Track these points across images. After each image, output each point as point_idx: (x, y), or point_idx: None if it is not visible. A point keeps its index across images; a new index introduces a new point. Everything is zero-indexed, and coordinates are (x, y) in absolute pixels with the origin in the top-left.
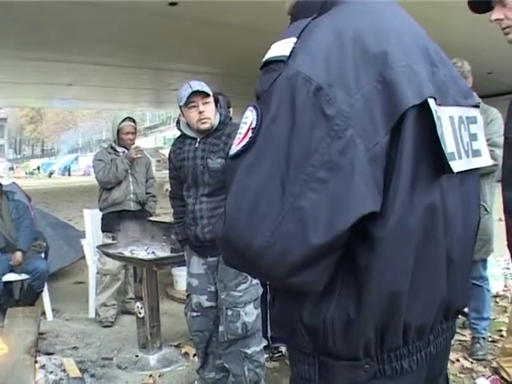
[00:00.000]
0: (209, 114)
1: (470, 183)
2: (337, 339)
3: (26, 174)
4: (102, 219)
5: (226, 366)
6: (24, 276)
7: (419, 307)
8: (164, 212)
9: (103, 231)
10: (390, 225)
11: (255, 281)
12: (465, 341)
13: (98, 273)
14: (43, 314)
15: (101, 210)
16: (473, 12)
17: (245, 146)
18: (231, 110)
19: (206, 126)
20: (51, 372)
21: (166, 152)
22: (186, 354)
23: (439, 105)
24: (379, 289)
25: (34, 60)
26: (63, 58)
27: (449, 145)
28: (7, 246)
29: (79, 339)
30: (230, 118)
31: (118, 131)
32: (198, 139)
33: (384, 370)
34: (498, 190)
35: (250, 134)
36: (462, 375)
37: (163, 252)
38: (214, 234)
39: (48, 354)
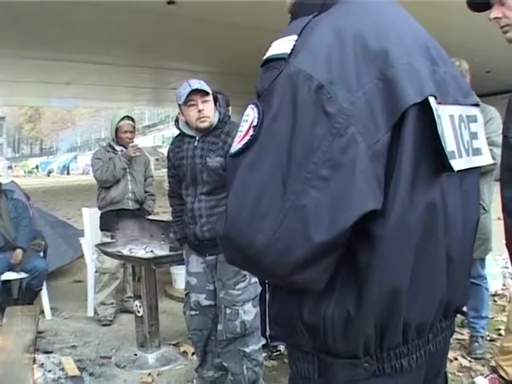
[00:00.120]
0: (208, 112)
1: (470, 182)
2: (337, 337)
3: (25, 172)
4: (101, 218)
5: (225, 364)
6: (23, 275)
7: (419, 305)
8: (163, 211)
9: (102, 230)
10: (390, 223)
11: (254, 279)
12: (463, 339)
13: (96, 271)
14: (42, 312)
15: (99, 208)
16: (471, 11)
17: (246, 143)
18: (230, 108)
19: (205, 124)
20: (50, 371)
21: (164, 151)
22: (185, 352)
23: (439, 103)
24: (379, 287)
25: (32, 59)
26: (62, 56)
27: (449, 143)
28: (6, 245)
29: (78, 338)
30: (229, 117)
31: (117, 130)
32: (197, 138)
33: (383, 368)
34: (496, 188)
35: (251, 132)
36: (461, 374)
37: (162, 251)
38: (213, 233)
39: (47, 352)
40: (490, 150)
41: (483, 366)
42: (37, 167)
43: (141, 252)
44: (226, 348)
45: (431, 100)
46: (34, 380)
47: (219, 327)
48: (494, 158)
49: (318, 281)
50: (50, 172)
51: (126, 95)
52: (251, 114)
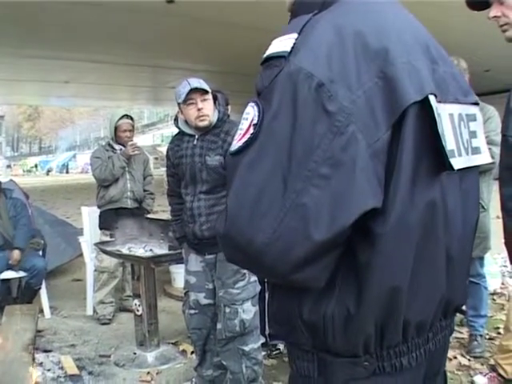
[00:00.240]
0: (207, 111)
1: (469, 181)
2: (336, 335)
3: (24, 171)
4: (100, 217)
5: (224, 363)
6: (22, 273)
7: (419, 304)
8: (162, 209)
9: (101, 228)
10: (390, 221)
11: (253, 278)
12: (462, 338)
13: (95, 270)
14: (41, 311)
15: (98, 207)
16: (471, 10)
17: (246, 142)
18: (229, 107)
19: (205, 123)
20: (49, 369)
21: (163, 149)
22: (184, 351)
23: (439, 102)
24: (379, 285)
25: (31, 57)
26: (61, 55)
27: (449, 142)
28: (5, 244)
29: (77, 336)
30: (228, 116)
31: (116, 129)
32: (196, 136)
33: (383, 366)
34: (495, 187)
35: (251, 130)
36: (460, 372)
37: (161, 249)
38: (212, 232)
39: (46, 351)
40: (489, 148)
41: (482, 364)
42: (36, 166)
43: (140, 251)
44: (226, 347)
45: (431, 98)
46: (34, 379)
47: (218, 326)
48: (492, 157)
49: (318, 279)
50: (49, 171)
51: (125, 94)
52: (251, 112)
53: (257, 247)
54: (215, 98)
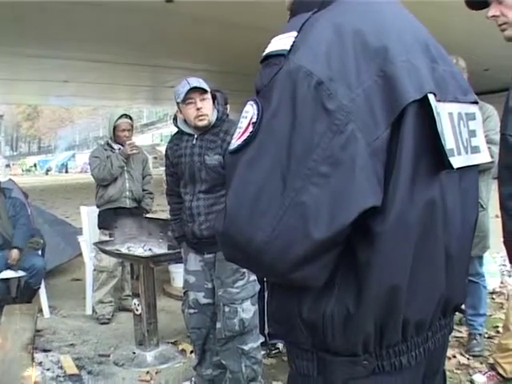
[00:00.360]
0: (206, 110)
1: (468, 180)
2: (336, 334)
3: (23, 171)
4: (99, 216)
5: (223, 362)
6: (21, 273)
7: (418, 303)
8: (161, 209)
9: (100, 228)
10: (389, 220)
11: (252, 277)
12: (461, 337)
13: (94, 270)
14: (40, 311)
15: (97, 206)
16: (470, 9)
17: (245, 140)
18: (228, 106)
19: (204, 122)
20: (48, 369)
21: (162, 149)
22: (183, 350)
23: (438, 101)
24: (379, 284)
25: (30, 57)
26: (60, 54)
27: (448, 141)
28: (4, 244)
29: (76, 336)
30: (227, 115)
31: (114, 128)
32: (196, 136)
33: (383, 365)
34: (494, 186)
35: (250, 129)
36: (459, 371)
37: (160, 249)
38: (212, 231)
39: (45, 350)
40: (488, 148)
41: (481, 363)
42: (35, 165)
43: (139, 250)
44: (225, 346)
45: (431, 97)
46: (33, 378)
47: (218, 325)
48: (492, 156)
49: (318, 278)
50: (48, 170)
51: (124, 93)
52: (250, 111)
53: (256, 246)
54: (214, 98)
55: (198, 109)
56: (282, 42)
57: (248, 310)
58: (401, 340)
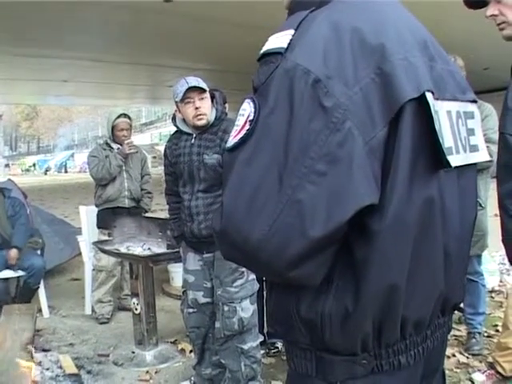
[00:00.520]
0: (205, 109)
1: (467, 178)
2: (334, 333)
3: (22, 171)
4: (97, 216)
5: (223, 361)
6: (20, 273)
7: (417, 301)
8: (160, 208)
9: (98, 228)
10: (387, 218)
11: (251, 276)
12: (460, 336)
13: (93, 269)
14: (39, 310)
15: (96, 206)
16: (468, 8)
17: (242, 138)
18: (227, 105)
19: (203, 122)
20: (48, 369)
21: (161, 148)
22: (183, 350)
23: (437, 99)
24: (377, 283)
25: (29, 56)
26: (59, 54)
27: (447, 139)
28: (3, 243)
29: (75, 336)
30: (226, 114)
31: (113, 128)
32: (194, 135)
33: (381, 365)
34: (492, 185)
35: (247, 127)
36: (458, 370)
37: (159, 248)
38: (210, 230)
39: (44, 350)
40: (487, 146)
41: (480, 362)
42: (34, 165)
43: (138, 250)
44: (224, 345)
45: (428, 96)
46: (32, 378)
47: (217, 325)
48: (490, 156)
49: (315, 276)
50: (47, 170)
51: (123, 93)
52: (247, 109)
53: (253, 244)
54: (213, 97)
55: (196, 108)
56: (279, 40)
57: (247, 309)
58: (399, 339)
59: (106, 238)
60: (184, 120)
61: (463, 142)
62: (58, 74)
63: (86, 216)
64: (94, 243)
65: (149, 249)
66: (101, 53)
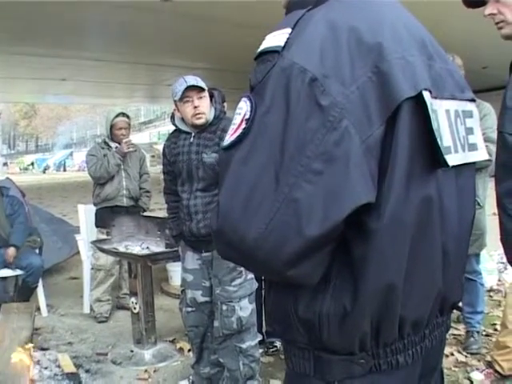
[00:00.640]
0: (204, 108)
1: (465, 177)
2: (332, 333)
3: (20, 169)
4: (96, 214)
5: (221, 360)
6: (18, 272)
7: (415, 301)
8: (159, 207)
9: (97, 226)
10: (384, 217)
11: (250, 276)
12: (459, 335)
13: (92, 268)
14: (38, 309)
15: (94, 205)
16: (467, 7)
17: (239, 136)
18: (226, 104)
19: (201, 121)
20: (46, 367)
21: (160, 147)
22: (181, 349)
23: (435, 98)
24: (374, 281)
25: (27, 55)
26: (57, 53)
27: (445, 138)
28: (1, 242)
29: (74, 335)
30: (225, 113)
31: (112, 127)
32: (193, 134)
33: (379, 364)
34: (491, 184)
35: (243, 125)
36: (457, 369)
37: (158, 247)
38: (209, 229)
39: (43, 349)
40: (486, 146)
41: (479, 360)
42: (32, 164)
43: (137, 249)
44: (223, 344)
45: (425, 94)
46: (31, 377)
47: (215, 324)
48: (489, 155)
49: (312, 276)
50: (45, 169)
51: (121, 91)
52: (244, 107)
53: (249, 243)
54: (212, 96)
55: (195, 107)
56: (276, 39)
57: (246, 309)
58: (397, 338)
59: (104, 236)
60: (183, 119)
61: (462, 141)
62: (57, 72)
63: (85, 215)
64: (93, 242)
65: (147, 248)
66: (100, 52)
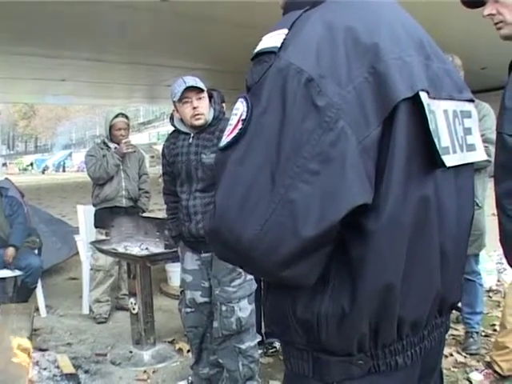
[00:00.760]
0: (203, 109)
1: (464, 177)
2: (330, 334)
3: (20, 170)
4: (95, 215)
5: (221, 361)
6: (17, 272)
7: (413, 301)
8: (158, 208)
9: (96, 227)
10: (382, 217)
11: (249, 276)
12: (458, 335)
13: (91, 269)
14: (37, 310)
15: (94, 205)
16: (466, 8)
17: (235, 137)
18: (225, 105)
19: (200, 121)
20: (45, 368)
21: (159, 148)
22: (180, 349)
23: (433, 98)
24: (373, 282)
25: (27, 55)
26: (57, 53)
27: (443, 139)
28: (0, 243)
29: (73, 335)
30: (224, 114)
31: (111, 127)
32: (192, 134)
33: (378, 365)
34: (490, 185)
35: (240, 126)
36: (456, 369)
37: (157, 248)
38: None
39: (42, 350)
40: (486, 147)
41: (478, 361)
42: (31, 164)
43: (136, 249)
44: (222, 345)
45: (422, 95)
46: (30, 378)
47: (215, 324)
48: (489, 155)
49: (308, 277)
50: (44, 169)
51: (121, 92)
52: (240, 108)
53: (245, 243)
54: (211, 97)
55: (194, 108)
56: (272, 40)
57: (245, 309)
58: (396, 339)
59: (103, 237)
60: (182, 120)
61: (460, 142)
62: (56, 73)
63: (84, 215)
64: (92, 243)
65: (146, 248)
66: (99, 52)
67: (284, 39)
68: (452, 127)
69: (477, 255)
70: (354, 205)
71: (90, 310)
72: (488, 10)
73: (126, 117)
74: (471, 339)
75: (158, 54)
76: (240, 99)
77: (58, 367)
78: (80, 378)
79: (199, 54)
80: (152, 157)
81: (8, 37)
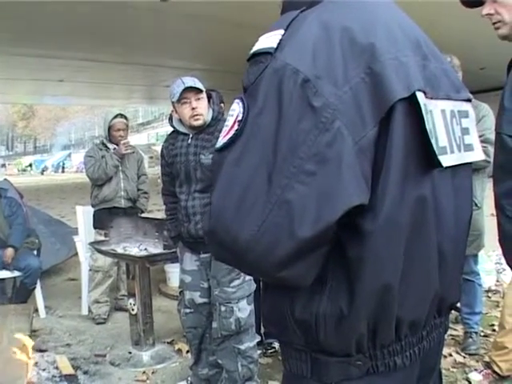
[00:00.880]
0: (201, 110)
1: (461, 177)
2: (329, 334)
3: (18, 171)
4: (94, 216)
5: (220, 362)
6: (16, 273)
7: (411, 302)
8: (157, 209)
9: (95, 228)
10: (379, 218)
11: (248, 277)
12: (457, 335)
13: (90, 270)
14: (36, 311)
15: (92, 206)
16: (465, 7)
17: (231, 138)
18: (223, 105)
19: (199, 122)
20: (44, 369)
21: (158, 148)
22: (179, 350)
23: (431, 98)
24: (371, 283)
25: (26, 56)
26: (55, 54)
27: (441, 139)
28: (0, 243)
29: (72, 336)
30: (223, 114)
31: (110, 128)
32: (191, 135)
33: (377, 366)
34: (489, 185)
35: (236, 127)
36: (455, 370)
37: (156, 248)
38: None
39: (41, 351)
40: (485, 147)
41: (477, 361)
42: (30, 165)
43: (135, 250)
44: (221, 345)
45: (419, 95)
46: (28, 379)
47: (214, 325)
48: (488, 156)
49: (305, 277)
50: (43, 170)
51: (119, 93)
52: (237, 109)
53: (241, 244)
54: (209, 97)
55: (193, 108)
56: (269, 40)
57: (244, 310)
58: (395, 340)
59: (102, 238)
60: (180, 120)
61: (457, 142)
62: (55, 73)
63: (83, 216)
64: (91, 244)
65: (145, 249)
66: (97, 53)
67: (280, 40)
68: (449, 127)
69: (476, 255)
70: (350, 205)
71: (89, 310)
72: (486, 9)
73: (125, 117)
74: (470, 339)
75: (158, 55)
76: (236, 100)
77: (57, 368)
78: (79, 379)
79: (199, 55)
80: (151, 157)
81: (8, 37)
